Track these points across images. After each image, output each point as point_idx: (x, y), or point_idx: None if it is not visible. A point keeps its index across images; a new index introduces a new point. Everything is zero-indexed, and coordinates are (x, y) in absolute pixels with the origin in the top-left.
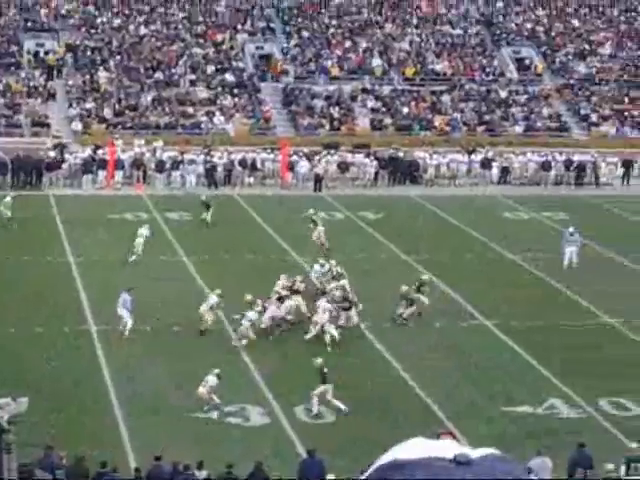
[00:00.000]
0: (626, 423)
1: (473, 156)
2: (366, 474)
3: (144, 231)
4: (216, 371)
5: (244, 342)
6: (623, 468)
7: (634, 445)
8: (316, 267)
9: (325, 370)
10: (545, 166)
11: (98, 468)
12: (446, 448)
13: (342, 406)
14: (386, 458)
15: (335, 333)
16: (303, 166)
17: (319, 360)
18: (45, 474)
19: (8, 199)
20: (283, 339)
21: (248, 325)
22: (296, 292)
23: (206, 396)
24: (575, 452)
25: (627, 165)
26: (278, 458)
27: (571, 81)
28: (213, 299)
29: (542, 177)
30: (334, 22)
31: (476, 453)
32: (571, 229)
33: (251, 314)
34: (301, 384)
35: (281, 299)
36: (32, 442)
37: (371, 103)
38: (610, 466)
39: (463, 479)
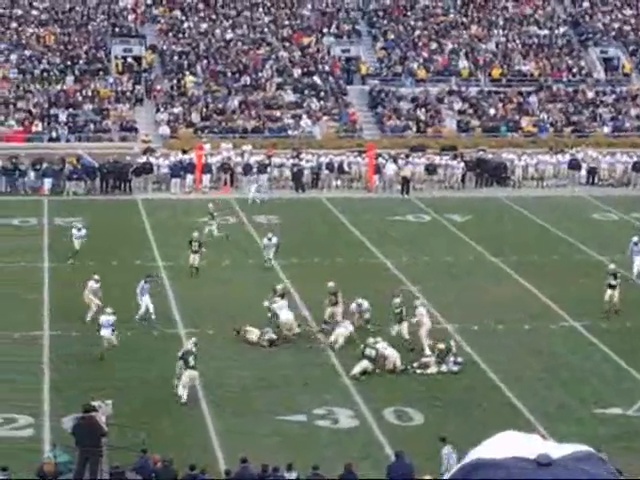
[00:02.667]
0: None
1: (560, 157)
2: (451, 473)
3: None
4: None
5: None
6: None
7: None
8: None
9: (190, 358)
10: (636, 167)
11: (187, 470)
12: (531, 446)
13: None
14: (472, 456)
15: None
16: (390, 169)
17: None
18: (136, 476)
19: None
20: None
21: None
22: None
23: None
24: None
25: None
26: (367, 460)
27: None
28: None
29: (633, 177)
30: (420, 24)
31: (561, 451)
32: (635, 238)
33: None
34: (389, 387)
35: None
36: (121, 445)
37: (458, 105)
38: None
39: None
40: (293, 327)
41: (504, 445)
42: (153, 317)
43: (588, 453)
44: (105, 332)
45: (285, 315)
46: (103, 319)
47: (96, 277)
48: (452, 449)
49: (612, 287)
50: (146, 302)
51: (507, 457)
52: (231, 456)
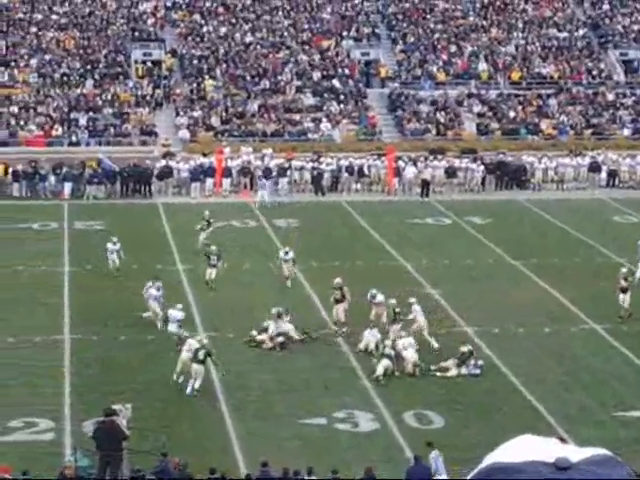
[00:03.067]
0: None
1: (581, 160)
2: (469, 477)
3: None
4: (179, 306)
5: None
6: None
7: None
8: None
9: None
10: None
11: (208, 474)
12: (550, 450)
13: (189, 389)
14: (488, 460)
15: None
16: (410, 172)
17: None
18: None
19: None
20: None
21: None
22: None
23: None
24: None
25: None
26: (388, 464)
27: None
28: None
29: None
30: (439, 27)
31: (580, 455)
32: None
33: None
34: (409, 390)
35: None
36: (142, 449)
37: (477, 108)
38: None
39: None
40: (295, 335)
41: (522, 449)
42: (143, 316)
43: (606, 456)
44: (172, 327)
45: (286, 327)
46: (171, 313)
47: (158, 284)
48: (439, 453)
49: (624, 290)
50: (152, 304)
51: (526, 461)
52: (252, 460)
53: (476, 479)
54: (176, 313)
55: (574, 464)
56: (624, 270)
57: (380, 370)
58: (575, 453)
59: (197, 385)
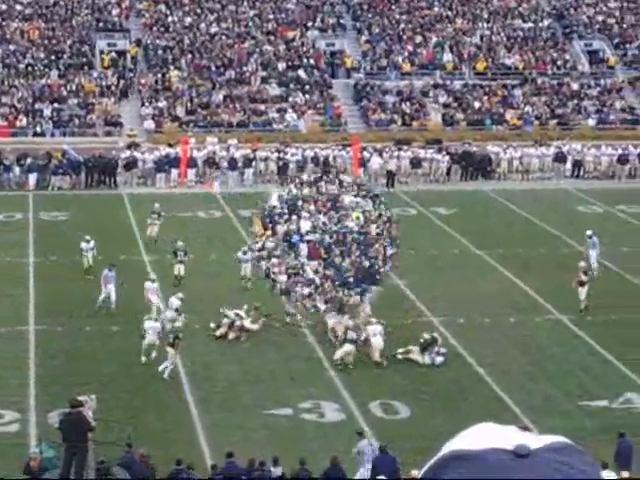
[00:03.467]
0: None
1: (545, 150)
2: (427, 465)
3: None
4: (180, 295)
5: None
6: None
7: None
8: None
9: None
10: (621, 159)
11: (174, 465)
12: (509, 437)
13: (161, 367)
14: (447, 448)
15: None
16: (375, 162)
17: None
18: (123, 472)
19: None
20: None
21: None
22: None
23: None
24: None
25: None
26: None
27: None
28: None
29: (617, 170)
30: (404, 17)
31: (539, 442)
32: (589, 232)
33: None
34: (375, 380)
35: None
36: (107, 440)
37: (442, 98)
38: None
39: (520, 477)
40: (252, 326)
41: (481, 436)
42: (112, 307)
43: (566, 444)
44: (169, 313)
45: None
46: (172, 301)
47: (152, 277)
48: (369, 443)
49: (582, 284)
50: (109, 290)
51: (485, 448)
52: (218, 451)
53: (435, 467)
54: (175, 301)
55: (533, 451)
56: (583, 264)
57: (339, 354)
58: (535, 440)
59: (166, 374)
